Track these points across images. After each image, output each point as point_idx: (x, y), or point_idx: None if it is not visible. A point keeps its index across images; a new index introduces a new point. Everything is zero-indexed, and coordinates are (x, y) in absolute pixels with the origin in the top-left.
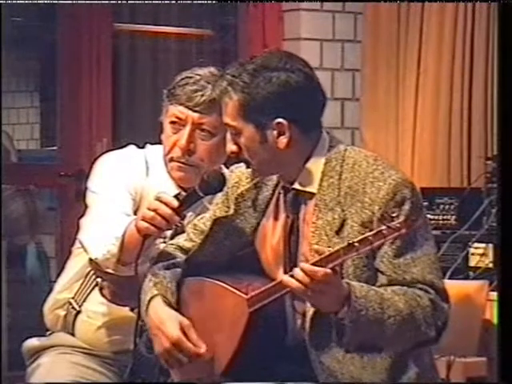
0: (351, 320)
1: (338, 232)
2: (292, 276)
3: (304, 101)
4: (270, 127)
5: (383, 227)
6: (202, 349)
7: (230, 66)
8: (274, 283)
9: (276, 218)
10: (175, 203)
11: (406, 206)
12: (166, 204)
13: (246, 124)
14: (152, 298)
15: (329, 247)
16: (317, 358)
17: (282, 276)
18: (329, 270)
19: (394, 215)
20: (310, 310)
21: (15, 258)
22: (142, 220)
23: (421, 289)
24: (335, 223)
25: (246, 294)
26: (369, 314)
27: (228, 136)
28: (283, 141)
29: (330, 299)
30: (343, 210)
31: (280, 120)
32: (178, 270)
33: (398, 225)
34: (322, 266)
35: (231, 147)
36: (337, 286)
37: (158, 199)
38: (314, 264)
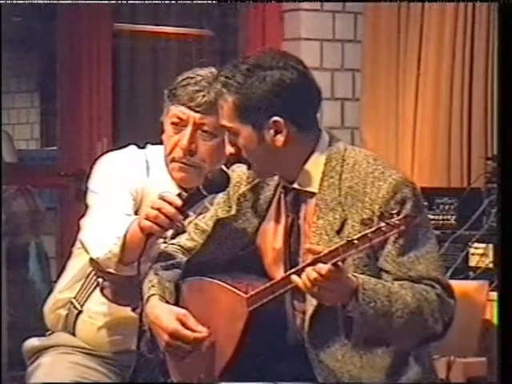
0: (360, 313)
1: (339, 232)
2: (298, 275)
3: (299, 98)
4: (266, 126)
5: (382, 224)
6: (203, 333)
7: (224, 67)
8: (273, 282)
9: (277, 218)
10: (179, 202)
11: (407, 206)
12: (169, 203)
13: (242, 125)
14: (149, 297)
15: (329, 247)
16: (316, 357)
17: (282, 275)
18: (331, 267)
19: (393, 212)
20: (310, 309)
21: (17, 257)
22: (146, 219)
23: (427, 284)
24: (336, 223)
25: (246, 293)
26: (377, 307)
27: (226, 138)
28: (280, 139)
29: (335, 294)
30: (344, 210)
31: (276, 118)
32: (177, 270)
33: (397, 221)
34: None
35: (229, 149)
36: (342, 281)
37: (162, 198)
38: (314, 261)
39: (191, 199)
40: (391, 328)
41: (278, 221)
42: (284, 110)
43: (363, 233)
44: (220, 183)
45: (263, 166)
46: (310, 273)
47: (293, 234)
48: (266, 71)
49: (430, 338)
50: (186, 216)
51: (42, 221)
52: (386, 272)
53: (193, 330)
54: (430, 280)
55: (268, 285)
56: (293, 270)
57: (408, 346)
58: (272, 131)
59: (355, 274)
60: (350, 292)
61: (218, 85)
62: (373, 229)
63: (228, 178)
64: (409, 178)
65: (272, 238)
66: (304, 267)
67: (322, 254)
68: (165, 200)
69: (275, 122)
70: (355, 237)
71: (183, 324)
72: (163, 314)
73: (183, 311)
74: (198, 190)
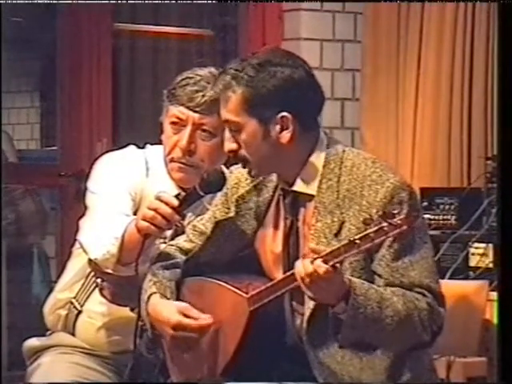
0: (349, 316)
1: (337, 235)
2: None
3: (306, 97)
4: (273, 121)
5: (384, 224)
6: (206, 320)
7: (233, 61)
8: (274, 282)
9: (276, 220)
10: (175, 202)
11: (404, 210)
12: (166, 203)
13: (249, 119)
14: (150, 295)
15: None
16: (315, 359)
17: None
18: (330, 268)
19: (395, 212)
20: (307, 312)
21: (22, 258)
22: (143, 219)
23: (418, 292)
24: (334, 226)
25: (247, 294)
26: (367, 312)
27: (226, 134)
28: (286, 135)
29: (328, 294)
30: (342, 213)
31: (284, 114)
32: (178, 270)
33: (399, 221)
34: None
35: (230, 145)
36: (337, 283)
37: (158, 198)
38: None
39: (188, 199)
40: (379, 334)
41: (276, 223)
42: (292, 106)
43: (365, 232)
44: (216, 183)
45: (263, 163)
46: (308, 266)
47: (292, 237)
48: (277, 67)
49: (417, 346)
50: (183, 216)
51: (47, 221)
52: (379, 276)
53: (196, 319)
54: (422, 288)
55: (269, 285)
56: (294, 271)
57: (395, 351)
58: (278, 127)
59: (349, 277)
60: (341, 295)
61: (227, 77)
62: (375, 228)
63: (224, 178)
64: (406, 182)
65: (271, 240)
66: None
67: (323, 254)
68: (161, 200)
69: (283, 117)
70: (357, 236)
71: (186, 315)
72: (165, 309)
73: (185, 304)
74: (194, 190)
